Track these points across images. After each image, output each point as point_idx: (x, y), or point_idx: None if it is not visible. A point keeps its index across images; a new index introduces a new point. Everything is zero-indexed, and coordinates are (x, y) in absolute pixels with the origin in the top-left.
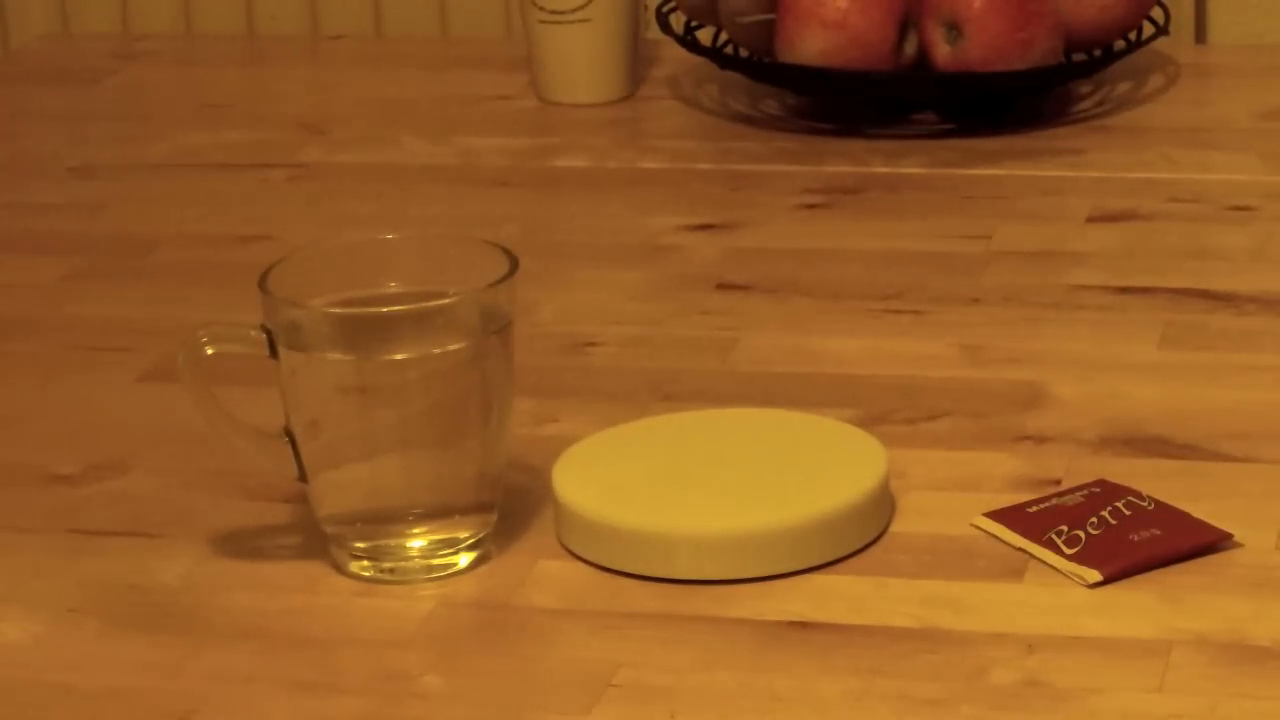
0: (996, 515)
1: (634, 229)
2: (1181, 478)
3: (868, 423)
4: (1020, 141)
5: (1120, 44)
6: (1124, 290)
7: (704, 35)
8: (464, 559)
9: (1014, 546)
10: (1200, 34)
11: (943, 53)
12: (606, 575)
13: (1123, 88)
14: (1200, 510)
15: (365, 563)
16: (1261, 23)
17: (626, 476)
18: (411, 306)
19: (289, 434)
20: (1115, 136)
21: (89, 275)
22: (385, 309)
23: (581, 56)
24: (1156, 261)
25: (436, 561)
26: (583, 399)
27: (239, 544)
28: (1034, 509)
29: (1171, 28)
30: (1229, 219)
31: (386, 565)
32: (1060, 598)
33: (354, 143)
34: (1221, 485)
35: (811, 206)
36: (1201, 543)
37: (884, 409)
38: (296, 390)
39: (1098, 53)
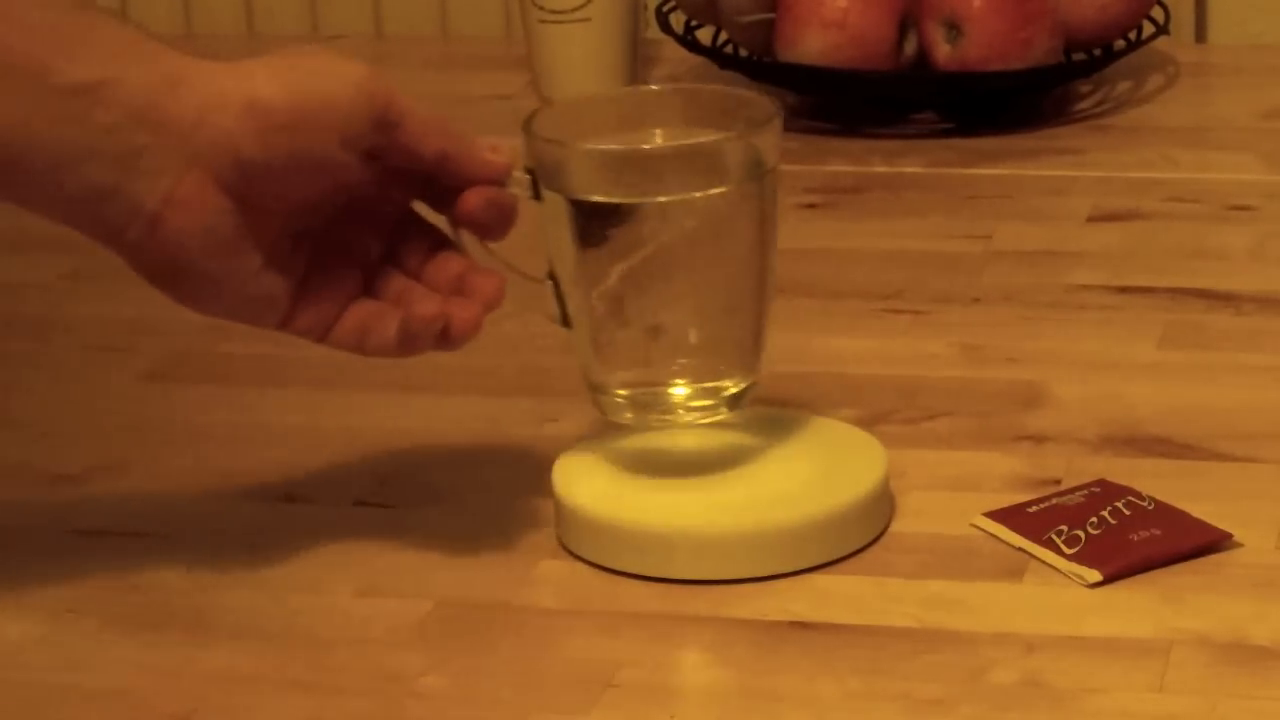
0: (996, 515)
1: None
2: (1181, 478)
3: (868, 423)
4: (1020, 141)
5: (1120, 44)
6: (1124, 290)
7: (704, 35)
8: (726, 408)
9: (1014, 546)
10: (1200, 34)
11: (942, 52)
12: (606, 575)
13: (1123, 88)
14: (1200, 510)
15: (628, 412)
16: (1261, 23)
17: (626, 476)
18: (675, 144)
19: (553, 278)
20: (1115, 136)
21: (89, 275)
22: (648, 147)
23: (581, 56)
24: (1156, 261)
25: (699, 403)
26: (583, 399)
27: (239, 544)
28: (1034, 509)
29: (1171, 27)
30: (1229, 219)
31: (650, 413)
32: (1060, 598)
33: None
34: (1221, 485)
35: (811, 206)
36: (1201, 543)
37: (884, 409)
38: (559, 233)
39: (1098, 52)
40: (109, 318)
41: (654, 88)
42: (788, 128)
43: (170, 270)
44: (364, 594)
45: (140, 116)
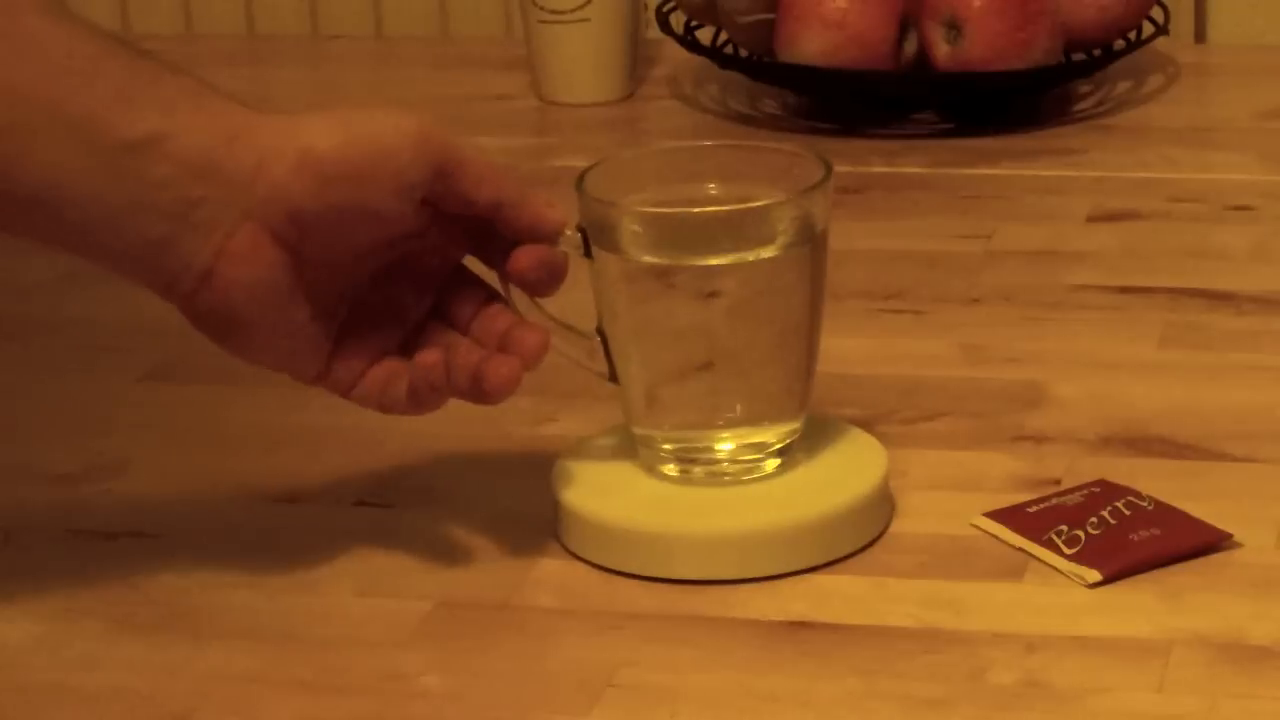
0: (996, 515)
1: None
2: (1181, 478)
3: (868, 423)
4: (1020, 141)
5: (1120, 44)
6: (1124, 290)
7: (704, 35)
8: (770, 464)
9: (1014, 546)
10: (1200, 34)
11: (942, 52)
12: (606, 575)
13: (1123, 88)
14: (1200, 510)
15: (672, 466)
16: (1261, 23)
17: (626, 476)
18: (725, 207)
19: (601, 334)
20: (1115, 136)
21: (89, 275)
22: (698, 209)
23: (581, 56)
24: (1156, 261)
25: (744, 457)
26: (583, 399)
27: (239, 544)
28: (1034, 509)
29: (1171, 28)
30: (1229, 219)
31: (695, 469)
32: (1060, 598)
33: None
34: (1221, 485)
35: None
36: (1201, 543)
37: (884, 409)
38: (608, 291)
39: (1098, 53)
40: (109, 318)
41: (708, 144)
42: (788, 128)
43: (222, 321)
44: (364, 594)
45: (196, 170)
